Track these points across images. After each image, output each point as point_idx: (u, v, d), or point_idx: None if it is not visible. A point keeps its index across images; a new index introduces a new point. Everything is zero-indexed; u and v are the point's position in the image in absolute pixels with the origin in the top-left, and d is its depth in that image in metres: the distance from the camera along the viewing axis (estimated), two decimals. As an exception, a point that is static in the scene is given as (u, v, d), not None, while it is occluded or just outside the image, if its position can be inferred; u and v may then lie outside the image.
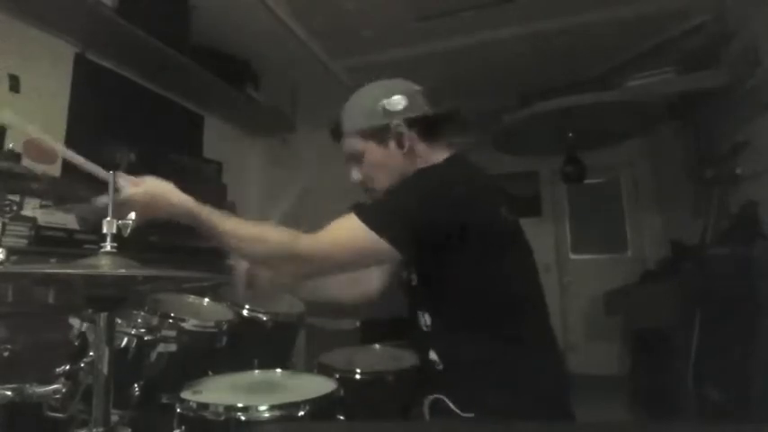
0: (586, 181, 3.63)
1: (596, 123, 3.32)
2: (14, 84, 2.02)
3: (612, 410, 2.97)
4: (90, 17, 2.12)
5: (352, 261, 1.00)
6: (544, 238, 4.35)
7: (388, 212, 0.97)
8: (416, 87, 1.12)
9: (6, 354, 1.22)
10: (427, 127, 1.10)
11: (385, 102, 1.07)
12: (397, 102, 1.07)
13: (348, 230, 0.95)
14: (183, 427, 0.88)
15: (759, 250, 2.13)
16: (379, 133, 1.08)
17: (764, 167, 2.44)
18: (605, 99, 2.95)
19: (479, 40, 3.08)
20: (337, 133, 1.15)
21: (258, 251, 0.97)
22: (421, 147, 1.10)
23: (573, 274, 4.43)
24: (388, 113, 1.07)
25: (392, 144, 1.08)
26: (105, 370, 0.78)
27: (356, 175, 1.13)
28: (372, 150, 1.09)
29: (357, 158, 1.11)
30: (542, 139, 3.66)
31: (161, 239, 2.11)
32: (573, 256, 4.55)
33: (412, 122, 1.08)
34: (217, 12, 2.67)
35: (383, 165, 1.09)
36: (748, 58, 2.52)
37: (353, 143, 1.11)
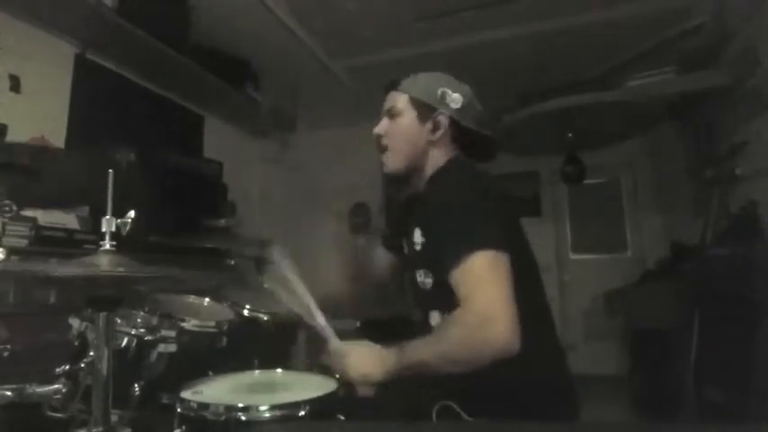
0: (586, 181, 3.63)
1: (596, 123, 3.32)
2: (15, 84, 2.02)
3: (612, 410, 2.97)
4: (90, 17, 2.12)
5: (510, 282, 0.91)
6: (544, 238, 4.34)
7: (485, 227, 0.95)
8: (478, 104, 1.19)
9: (6, 354, 1.22)
10: (462, 136, 1.17)
11: (447, 91, 1.14)
12: (456, 99, 1.14)
13: (484, 268, 0.90)
14: (184, 427, 0.87)
15: (759, 250, 2.13)
16: (425, 110, 1.14)
17: (764, 167, 2.44)
18: (605, 99, 2.96)
19: (479, 40, 3.08)
20: (390, 86, 1.20)
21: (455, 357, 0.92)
22: (446, 143, 1.16)
23: (573, 274, 4.42)
24: (443, 101, 1.14)
25: (428, 125, 1.14)
26: (105, 370, 0.78)
27: (382, 127, 1.18)
28: (409, 118, 1.15)
29: (392, 115, 1.17)
30: (542, 139, 3.66)
31: (161, 239, 2.11)
32: (573, 256, 4.54)
33: (454, 123, 1.15)
34: (217, 12, 2.67)
35: (408, 136, 1.15)
36: (748, 58, 2.52)
37: (400, 101, 1.16)
